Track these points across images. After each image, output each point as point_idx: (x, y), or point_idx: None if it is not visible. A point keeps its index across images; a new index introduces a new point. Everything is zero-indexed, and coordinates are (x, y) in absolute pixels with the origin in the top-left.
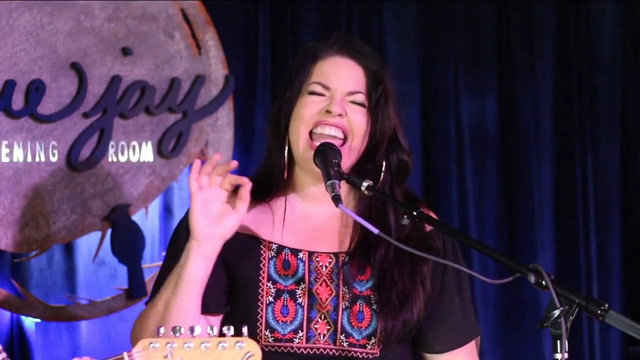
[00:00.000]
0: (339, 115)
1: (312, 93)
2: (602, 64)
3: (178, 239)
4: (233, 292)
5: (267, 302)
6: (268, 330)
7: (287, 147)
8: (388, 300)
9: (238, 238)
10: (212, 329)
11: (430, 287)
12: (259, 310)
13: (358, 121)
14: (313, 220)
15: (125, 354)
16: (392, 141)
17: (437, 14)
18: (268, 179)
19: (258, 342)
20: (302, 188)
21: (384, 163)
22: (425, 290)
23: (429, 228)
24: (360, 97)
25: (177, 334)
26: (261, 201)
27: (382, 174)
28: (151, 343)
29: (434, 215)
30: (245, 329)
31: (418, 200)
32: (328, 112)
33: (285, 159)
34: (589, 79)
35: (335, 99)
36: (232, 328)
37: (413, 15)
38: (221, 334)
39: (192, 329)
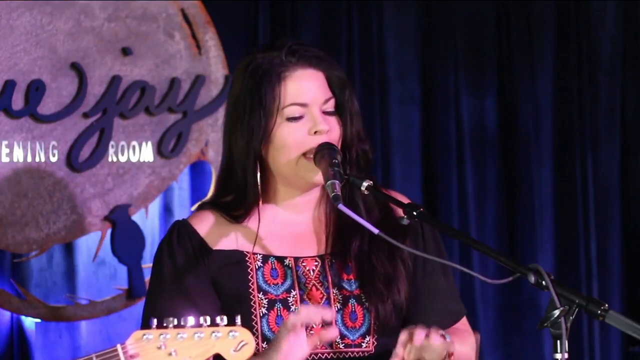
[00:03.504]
0: (327, 131)
1: (291, 119)
2: (602, 64)
3: (161, 267)
4: (226, 308)
5: (261, 314)
6: (265, 343)
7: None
8: (373, 287)
9: (222, 255)
10: (205, 319)
11: (413, 269)
12: (253, 323)
13: (337, 131)
14: (294, 226)
15: (118, 346)
16: (356, 134)
17: (437, 14)
18: (242, 199)
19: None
20: (283, 200)
21: (349, 156)
22: (406, 267)
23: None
24: (332, 104)
25: (171, 325)
26: (237, 221)
27: (349, 168)
28: (144, 335)
29: (402, 196)
30: (238, 319)
31: (381, 187)
32: (316, 132)
33: (259, 181)
34: (589, 79)
35: (316, 116)
36: (225, 318)
37: (413, 15)
38: (214, 324)
39: (185, 320)
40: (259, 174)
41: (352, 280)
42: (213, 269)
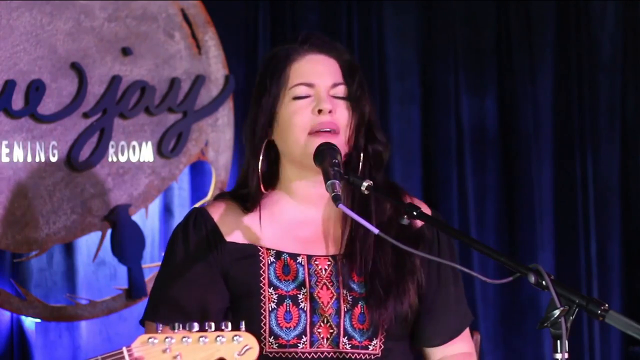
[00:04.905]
0: (330, 112)
1: (297, 98)
2: (602, 64)
3: (174, 254)
4: (235, 301)
5: (270, 309)
6: (272, 337)
7: (262, 158)
8: (372, 290)
9: (235, 247)
10: (209, 325)
11: (426, 280)
12: (261, 317)
13: (345, 116)
14: (309, 224)
15: (124, 349)
16: (368, 131)
17: (437, 14)
18: (254, 188)
19: (262, 349)
20: (296, 191)
21: (362, 154)
22: (415, 281)
23: (420, 222)
24: (342, 89)
25: (176, 329)
26: (250, 211)
27: (361, 165)
28: (150, 338)
29: (425, 206)
30: (242, 324)
31: (399, 189)
32: (319, 111)
33: (260, 171)
34: (589, 79)
35: (322, 96)
36: (229, 324)
37: (413, 15)
38: (218, 329)
39: (190, 325)
40: (261, 157)
41: (362, 283)
42: (226, 261)
